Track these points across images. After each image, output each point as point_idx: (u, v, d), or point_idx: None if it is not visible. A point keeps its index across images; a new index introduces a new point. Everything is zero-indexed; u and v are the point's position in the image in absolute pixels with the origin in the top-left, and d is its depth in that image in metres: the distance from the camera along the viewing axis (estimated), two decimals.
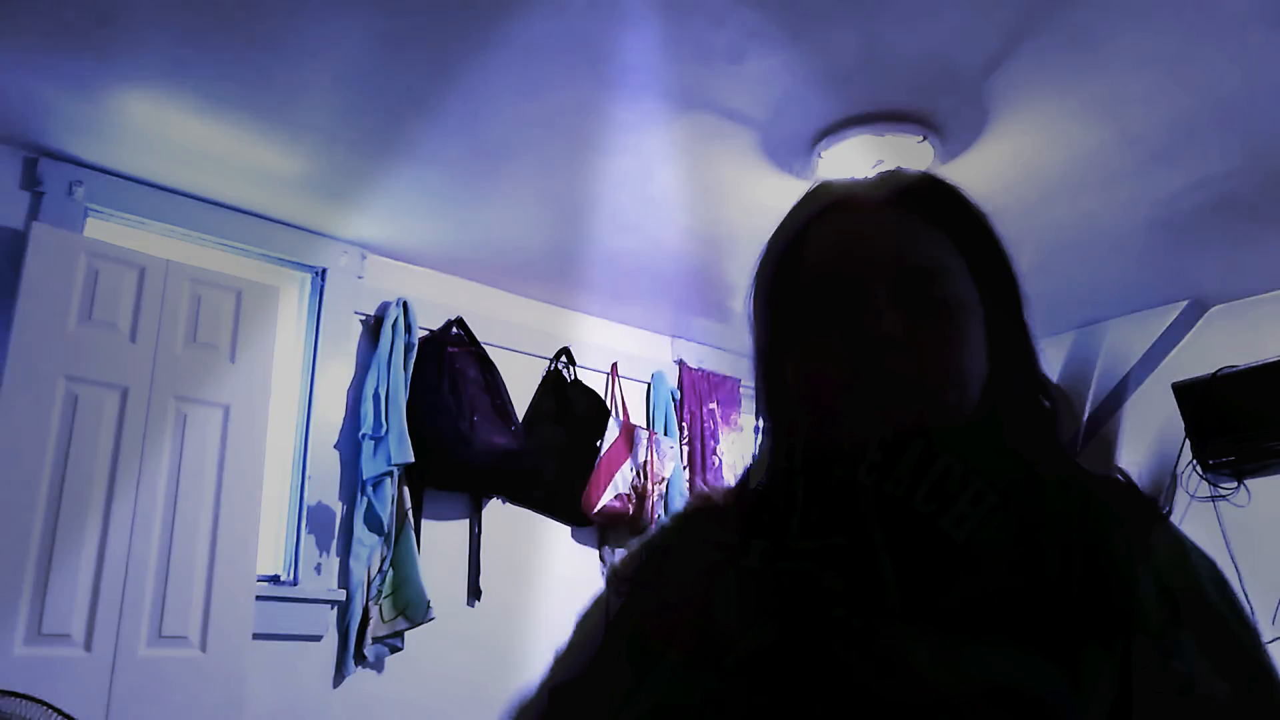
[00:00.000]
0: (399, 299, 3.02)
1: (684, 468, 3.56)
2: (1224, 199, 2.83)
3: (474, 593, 3.02)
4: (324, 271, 2.97)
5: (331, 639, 2.71)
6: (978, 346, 0.73)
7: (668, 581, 0.77)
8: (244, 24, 2.01)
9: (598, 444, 3.34)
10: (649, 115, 2.39)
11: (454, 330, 3.11)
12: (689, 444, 3.64)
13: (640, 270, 3.26)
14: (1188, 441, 3.50)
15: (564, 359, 3.47)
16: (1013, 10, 2.02)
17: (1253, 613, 2.95)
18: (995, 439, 0.72)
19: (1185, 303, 3.60)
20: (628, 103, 2.34)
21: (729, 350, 3.94)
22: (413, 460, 2.80)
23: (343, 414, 2.92)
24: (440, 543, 3.00)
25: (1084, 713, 0.59)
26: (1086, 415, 3.80)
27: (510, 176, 2.67)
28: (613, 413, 3.47)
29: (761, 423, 0.81)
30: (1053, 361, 3.97)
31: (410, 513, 2.85)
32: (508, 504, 3.22)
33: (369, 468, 2.80)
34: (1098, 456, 3.46)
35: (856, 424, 0.70)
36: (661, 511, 3.37)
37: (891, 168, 0.82)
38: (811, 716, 0.63)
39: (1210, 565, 0.68)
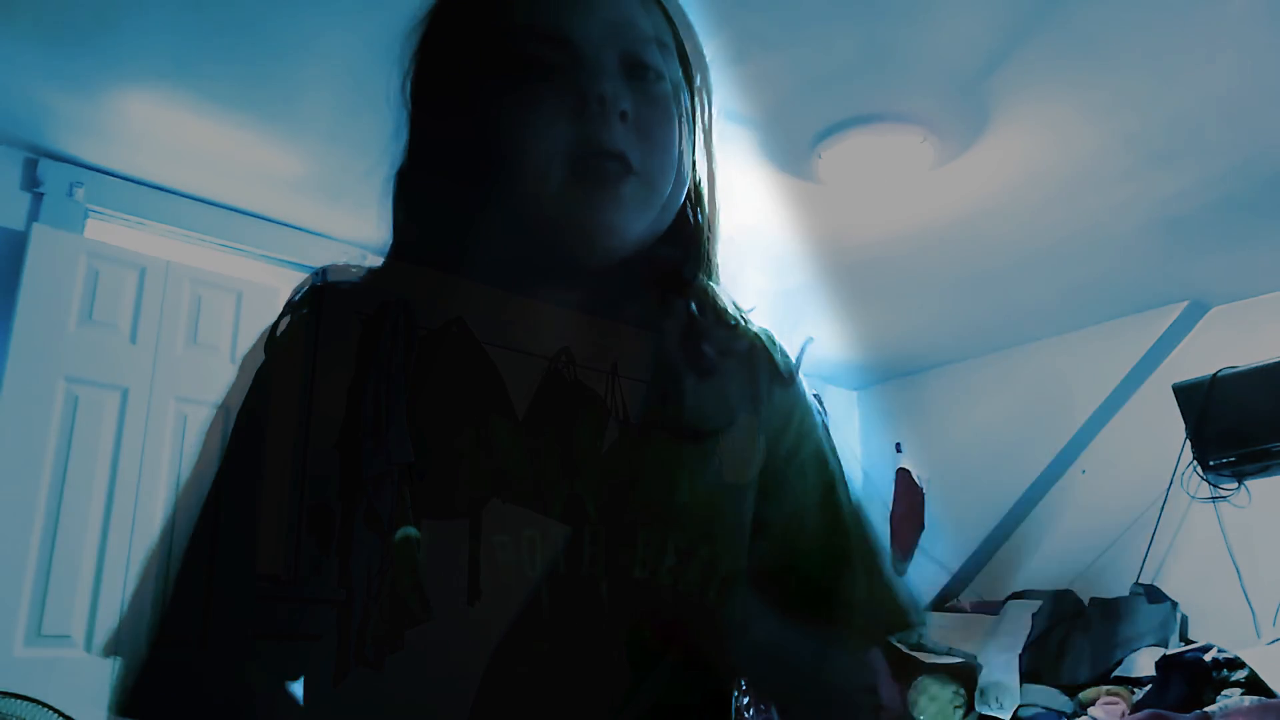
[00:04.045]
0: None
1: None
2: (1224, 199, 2.82)
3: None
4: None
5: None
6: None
7: None
8: (244, 24, 2.01)
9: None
10: None
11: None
12: None
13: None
14: (1188, 442, 3.50)
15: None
16: (1013, 10, 2.01)
17: (1253, 615, 2.89)
18: None
19: (1185, 303, 3.60)
20: None
21: None
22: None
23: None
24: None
25: None
26: (1088, 416, 3.80)
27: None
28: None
29: None
30: (1055, 363, 3.96)
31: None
32: None
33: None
34: None
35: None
36: None
37: None
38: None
39: None
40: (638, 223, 0.61)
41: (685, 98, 0.66)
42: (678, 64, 0.66)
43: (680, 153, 0.65)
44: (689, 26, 0.68)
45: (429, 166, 0.65)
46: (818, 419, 0.74)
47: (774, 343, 0.74)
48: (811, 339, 0.74)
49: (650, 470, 0.64)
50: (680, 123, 0.65)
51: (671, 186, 0.64)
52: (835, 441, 0.75)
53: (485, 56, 0.62)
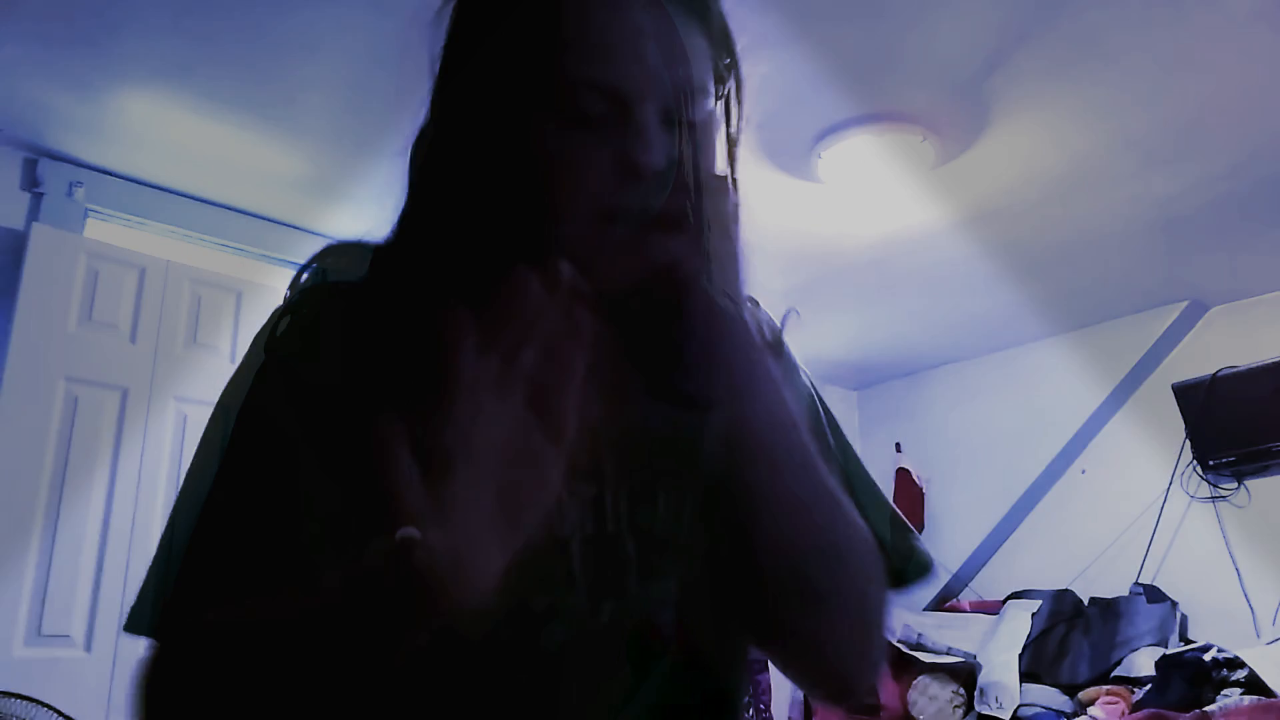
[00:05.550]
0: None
1: None
2: (1224, 199, 2.83)
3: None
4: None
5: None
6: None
7: None
8: (244, 24, 2.01)
9: None
10: None
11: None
12: None
13: None
14: (1188, 442, 3.50)
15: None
16: (1013, 10, 2.02)
17: (1253, 615, 2.89)
18: None
19: (1185, 303, 3.60)
20: None
21: None
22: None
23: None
24: None
25: None
26: (1088, 416, 3.80)
27: None
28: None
29: None
30: (1055, 363, 3.96)
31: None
32: None
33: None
34: None
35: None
36: None
37: None
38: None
39: None
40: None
41: (720, 125, 0.66)
42: (714, 97, 0.66)
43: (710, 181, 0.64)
44: (729, 42, 0.69)
45: (447, 143, 0.65)
46: (808, 386, 0.74)
47: (759, 309, 0.73)
48: (795, 310, 0.72)
49: (658, 435, 0.63)
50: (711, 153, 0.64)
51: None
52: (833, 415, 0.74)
53: (527, 71, 0.62)
